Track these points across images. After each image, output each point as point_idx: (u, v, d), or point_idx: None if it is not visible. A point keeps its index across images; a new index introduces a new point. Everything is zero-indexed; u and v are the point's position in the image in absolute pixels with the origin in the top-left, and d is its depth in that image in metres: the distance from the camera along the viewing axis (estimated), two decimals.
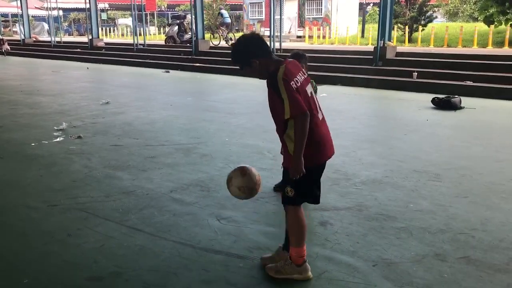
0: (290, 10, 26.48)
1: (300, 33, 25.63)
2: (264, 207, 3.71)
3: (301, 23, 26.34)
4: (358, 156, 5.22)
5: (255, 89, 11.69)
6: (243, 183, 2.61)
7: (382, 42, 12.41)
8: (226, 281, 2.58)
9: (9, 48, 23.72)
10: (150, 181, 4.35)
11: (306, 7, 26.18)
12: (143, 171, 4.64)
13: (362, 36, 22.05)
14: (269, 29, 16.06)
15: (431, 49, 16.04)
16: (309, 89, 2.54)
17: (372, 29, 20.43)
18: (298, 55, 3.95)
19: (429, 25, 19.53)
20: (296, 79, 2.45)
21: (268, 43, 14.64)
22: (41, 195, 3.96)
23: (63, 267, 2.75)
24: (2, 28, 34.94)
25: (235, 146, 5.59)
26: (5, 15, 37.21)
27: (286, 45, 17.58)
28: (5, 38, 26.73)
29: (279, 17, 16.91)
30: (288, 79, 2.39)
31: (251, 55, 2.48)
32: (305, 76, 2.58)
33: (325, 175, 4.34)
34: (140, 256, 2.88)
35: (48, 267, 2.76)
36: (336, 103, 8.82)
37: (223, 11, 20.41)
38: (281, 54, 14.72)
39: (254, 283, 2.58)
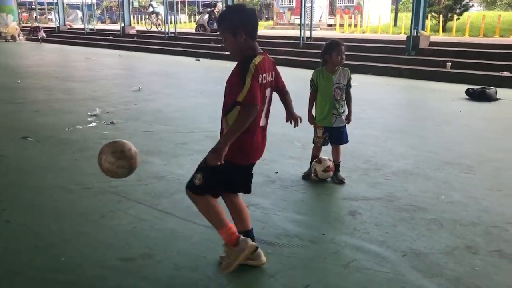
0: None
1: (331, 22, 25.32)
2: (293, 195, 3.73)
3: (332, 11, 26.00)
4: (388, 146, 5.16)
5: (283, 77, 11.65)
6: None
7: (416, 31, 12.15)
8: (255, 267, 2.61)
9: (44, 35, 24.30)
10: (180, 166, 4.41)
11: None
12: (174, 157, 4.72)
13: (395, 25, 21.62)
14: (299, 17, 15.92)
15: (466, 38, 15.60)
16: (268, 93, 2.44)
17: (405, 18, 20.01)
18: (335, 43, 3.91)
19: (465, 13, 19.00)
20: (264, 76, 2.33)
21: (299, 31, 14.54)
22: (75, 178, 4.08)
23: (97, 248, 2.84)
24: (38, 16, 35.81)
25: None
26: (41, 3, 38.08)
27: (317, 33, 17.40)
28: (41, 25, 27.39)
29: (310, 5, 16.71)
30: (259, 71, 2.28)
31: (237, 25, 2.30)
32: (271, 79, 2.46)
33: (355, 165, 4.39)
34: (171, 239, 2.94)
35: (83, 247, 2.85)
36: (366, 93, 8.70)
37: (153, 3, 24.31)
38: (312, 42, 14.60)
39: (283, 269, 2.60)
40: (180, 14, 36.64)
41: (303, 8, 15.17)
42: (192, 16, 35.36)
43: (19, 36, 25.59)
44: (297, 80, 11.50)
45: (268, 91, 2.44)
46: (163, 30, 21.06)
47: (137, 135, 5.57)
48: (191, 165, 4.45)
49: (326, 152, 4.15)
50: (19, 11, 34.80)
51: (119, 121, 6.32)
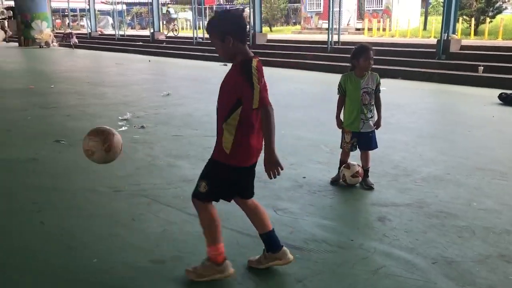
0: (349, 2, 25.99)
1: (359, 26, 25.12)
2: (321, 200, 3.71)
3: (360, 15, 25.80)
4: (418, 151, 5.08)
5: (311, 82, 11.65)
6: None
7: (446, 35, 11.94)
8: (283, 271, 2.62)
9: (76, 41, 24.93)
10: None
11: None
12: (202, 161, 4.70)
13: (424, 28, 21.29)
14: (327, 21, 15.87)
15: (499, 42, 15.22)
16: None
17: (435, 21, 19.67)
18: (363, 48, 3.89)
19: (498, 16, 18.53)
20: (263, 78, 2.34)
21: (326, 36, 14.46)
22: (107, 181, 4.17)
23: (127, 249, 2.90)
24: (70, 22, 36.80)
25: (291, 139, 5.61)
26: (73, 10, 39.12)
27: (344, 38, 17.29)
28: (73, 31, 28.13)
29: (338, 9, 16.64)
30: (260, 74, 2.30)
31: (228, 30, 2.32)
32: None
33: (384, 170, 4.35)
34: (200, 242, 2.95)
35: (114, 248, 2.92)
36: (396, 97, 8.60)
37: (171, 9, 26.21)
38: (340, 47, 14.53)
39: (310, 274, 2.60)
40: (208, 19, 36.99)
41: (331, 12, 15.12)
42: None
43: (52, 42, 26.34)
44: (325, 85, 11.50)
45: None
46: (179, 35, 21.92)
47: (166, 139, 5.66)
48: None
49: (354, 157, 4.12)
50: (53, 18, 35.79)
51: (149, 125, 6.43)
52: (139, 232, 3.13)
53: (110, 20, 37.63)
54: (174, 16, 25.29)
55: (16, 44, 27.00)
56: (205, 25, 2.42)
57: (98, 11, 35.86)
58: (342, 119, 4.03)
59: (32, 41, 25.90)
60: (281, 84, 10.94)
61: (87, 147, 2.64)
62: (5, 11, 35.12)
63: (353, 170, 3.95)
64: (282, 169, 2.33)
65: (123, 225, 3.25)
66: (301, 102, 8.46)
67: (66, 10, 37.77)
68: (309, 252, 2.84)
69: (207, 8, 35.94)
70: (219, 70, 14.56)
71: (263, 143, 2.42)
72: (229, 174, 2.43)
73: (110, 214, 3.46)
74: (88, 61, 18.23)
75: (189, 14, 39.86)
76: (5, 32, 31.16)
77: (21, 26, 26.52)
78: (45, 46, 25.53)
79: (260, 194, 3.79)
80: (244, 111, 2.33)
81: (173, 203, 3.63)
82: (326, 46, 14.77)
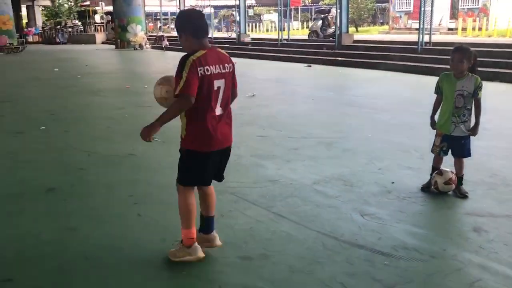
0: (442, 0, 24.71)
1: (452, 25, 23.80)
2: (411, 207, 3.59)
3: (454, 15, 24.44)
4: None
5: (399, 84, 11.25)
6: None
7: None
8: (371, 277, 2.57)
9: (167, 44, 26.17)
10: (293, 171, 4.49)
11: None
12: (287, 162, 4.81)
13: None
14: (417, 21, 15.25)
15: None
16: (219, 84, 2.59)
17: None
18: (454, 49, 3.72)
19: None
20: (208, 68, 2.52)
21: (417, 36, 13.88)
22: None
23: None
24: (162, 26, 38.75)
25: (379, 142, 5.47)
26: (165, 14, 41.15)
27: (436, 38, 16.49)
28: (165, 34, 29.57)
29: (430, 8, 15.90)
30: (197, 65, 2.49)
31: (181, 28, 2.64)
32: (225, 71, 2.62)
33: (480, 179, 4.11)
34: (286, 242, 3.01)
35: None
36: (493, 101, 8.03)
37: (235, 13, 25.92)
38: (431, 47, 13.91)
39: (400, 281, 2.53)
40: (293, 21, 37.12)
41: (422, 12, 14.50)
42: (304, 23, 35.62)
43: (145, 44, 27.90)
44: (415, 87, 11.07)
45: (219, 82, 2.60)
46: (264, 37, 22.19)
47: (252, 139, 5.77)
48: (304, 170, 4.52)
49: (447, 164, 3.93)
50: (146, 21, 37.94)
51: (235, 125, 6.57)
52: (227, 228, 3.23)
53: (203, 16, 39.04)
54: (237, 18, 26.15)
55: (113, 46, 28.95)
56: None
57: None
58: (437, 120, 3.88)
59: (127, 44, 27.65)
60: (367, 86, 10.70)
61: (162, 95, 2.77)
62: (104, 15, 37.88)
63: (446, 177, 3.76)
64: (146, 140, 2.62)
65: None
66: (389, 104, 8.21)
67: (158, 14, 39.81)
68: (398, 260, 2.76)
69: (293, 10, 36.09)
70: (304, 71, 14.58)
71: (228, 132, 2.72)
72: (191, 159, 2.68)
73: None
74: (177, 63, 19.03)
75: (274, 16, 40.29)
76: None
77: (118, 30, 28.42)
78: (138, 48, 27.10)
79: (346, 198, 3.77)
80: None
81: (259, 202, 3.70)
82: (416, 47, 14.19)
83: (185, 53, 2.59)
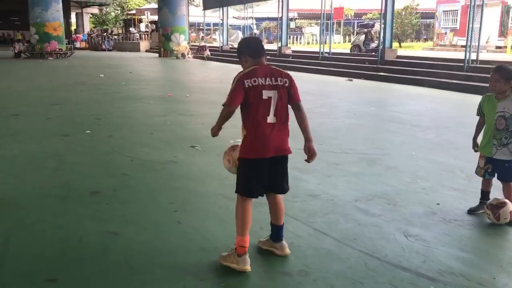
0: (490, 17, 24.05)
1: (501, 43, 23.08)
2: (457, 230, 3.44)
3: (502, 32, 23.70)
4: None
5: (443, 102, 10.97)
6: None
7: None
8: None
9: (209, 54, 26.58)
10: (334, 187, 4.42)
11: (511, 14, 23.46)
12: (328, 177, 4.74)
13: None
14: (463, 38, 14.86)
15: None
16: (270, 94, 2.77)
17: None
18: (500, 69, 3.58)
19: None
20: (255, 79, 2.75)
21: (463, 53, 13.50)
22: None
23: (257, 257, 2.96)
24: (204, 36, 39.42)
25: (423, 161, 5.32)
26: (208, 24, 41.86)
27: (483, 56, 16.02)
28: (207, 44, 30.06)
29: (478, 25, 15.47)
30: (243, 78, 2.75)
31: (241, 51, 2.94)
32: (277, 83, 2.81)
33: None
34: (327, 260, 2.94)
35: None
36: None
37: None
38: (478, 66, 13.51)
39: None
40: (334, 34, 37.01)
41: (470, 29, 14.13)
42: (346, 36, 35.41)
43: (188, 54, 28.43)
44: (460, 106, 10.75)
45: (270, 92, 2.79)
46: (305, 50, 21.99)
47: (292, 152, 5.71)
48: (345, 186, 4.44)
49: (495, 187, 3.77)
50: (189, 31, 38.70)
51: None
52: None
53: (240, 34, 39.56)
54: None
55: (156, 54, 29.64)
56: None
57: (229, 25, 37.92)
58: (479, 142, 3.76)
59: (170, 52, 28.25)
60: (410, 103, 10.48)
61: (229, 165, 3.10)
62: (149, 24, 38.89)
63: (508, 209, 3.52)
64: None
65: (252, 233, 3.32)
66: (433, 122, 8.00)
67: (201, 24, 40.54)
68: (445, 285, 2.65)
69: (335, 23, 35.99)
70: (344, 85, 14.44)
71: (281, 141, 2.92)
72: (246, 167, 2.84)
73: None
74: (219, 73, 19.30)
75: (315, 29, 40.29)
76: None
77: (162, 39, 29.10)
78: (181, 58, 27.63)
79: (389, 217, 3.67)
80: (242, 108, 2.81)
81: (299, 217, 3.65)
82: (462, 64, 13.82)
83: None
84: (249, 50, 2.93)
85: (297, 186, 4.43)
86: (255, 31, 41.43)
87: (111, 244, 3.16)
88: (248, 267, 2.78)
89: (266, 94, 2.78)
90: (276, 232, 3.01)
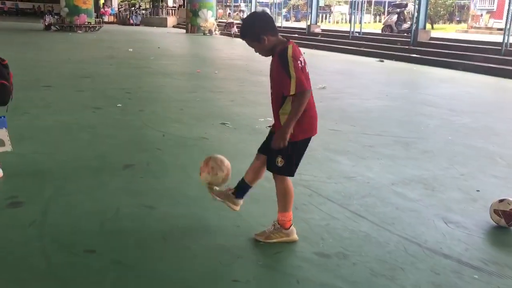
0: None
1: None
2: None
3: None
4: None
5: (479, 86, 10.64)
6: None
7: None
8: None
9: (237, 31, 26.31)
10: (369, 169, 4.32)
11: None
12: (362, 159, 4.65)
13: None
14: (501, 20, 14.30)
15: None
16: (307, 69, 2.66)
17: None
18: None
19: None
20: (300, 60, 2.58)
21: (500, 36, 13.04)
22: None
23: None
24: (232, 13, 39.08)
25: (460, 147, 5.17)
26: (236, 1, 41.43)
27: None
28: (234, 21, 29.78)
29: None
30: (295, 59, 2.53)
31: (261, 31, 2.59)
32: (304, 59, 2.66)
33: None
34: (365, 243, 2.88)
35: None
36: None
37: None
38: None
39: None
40: (365, 14, 36.19)
41: (509, 11, 13.56)
42: (377, 16, 34.60)
43: (215, 30, 28.25)
44: (498, 90, 10.43)
45: (306, 68, 2.66)
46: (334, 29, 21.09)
47: (324, 133, 5.62)
48: (381, 170, 4.34)
49: None
50: (217, 7, 38.39)
51: None
52: (302, 221, 3.14)
53: (268, 11, 39.10)
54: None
55: (183, 30, 29.55)
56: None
57: (258, 2, 37.46)
58: None
59: (197, 28, 28.13)
60: (444, 86, 10.20)
61: (206, 180, 3.02)
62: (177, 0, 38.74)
63: None
64: (284, 146, 2.60)
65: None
66: (468, 107, 7.76)
67: (229, 1, 40.15)
68: (490, 275, 2.56)
69: (365, 2, 35.15)
70: (375, 66, 14.14)
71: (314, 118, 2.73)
72: (302, 147, 2.74)
73: (273, 200, 3.53)
74: (246, 51, 19.06)
75: (343, 8, 39.48)
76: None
77: (189, 14, 28.95)
78: (208, 34, 27.50)
79: (427, 202, 3.58)
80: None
81: (334, 198, 3.59)
82: (499, 48, 13.33)
83: (281, 49, 2.57)
84: (270, 29, 2.63)
85: (331, 167, 4.36)
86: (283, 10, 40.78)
87: (147, 217, 3.17)
88: (296, 236, 2.85)
89: (307, 71, 2.68)
90: (245, 191, 2.99)
